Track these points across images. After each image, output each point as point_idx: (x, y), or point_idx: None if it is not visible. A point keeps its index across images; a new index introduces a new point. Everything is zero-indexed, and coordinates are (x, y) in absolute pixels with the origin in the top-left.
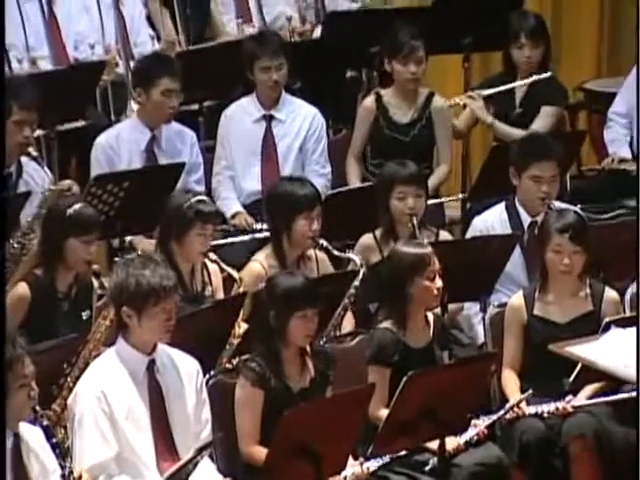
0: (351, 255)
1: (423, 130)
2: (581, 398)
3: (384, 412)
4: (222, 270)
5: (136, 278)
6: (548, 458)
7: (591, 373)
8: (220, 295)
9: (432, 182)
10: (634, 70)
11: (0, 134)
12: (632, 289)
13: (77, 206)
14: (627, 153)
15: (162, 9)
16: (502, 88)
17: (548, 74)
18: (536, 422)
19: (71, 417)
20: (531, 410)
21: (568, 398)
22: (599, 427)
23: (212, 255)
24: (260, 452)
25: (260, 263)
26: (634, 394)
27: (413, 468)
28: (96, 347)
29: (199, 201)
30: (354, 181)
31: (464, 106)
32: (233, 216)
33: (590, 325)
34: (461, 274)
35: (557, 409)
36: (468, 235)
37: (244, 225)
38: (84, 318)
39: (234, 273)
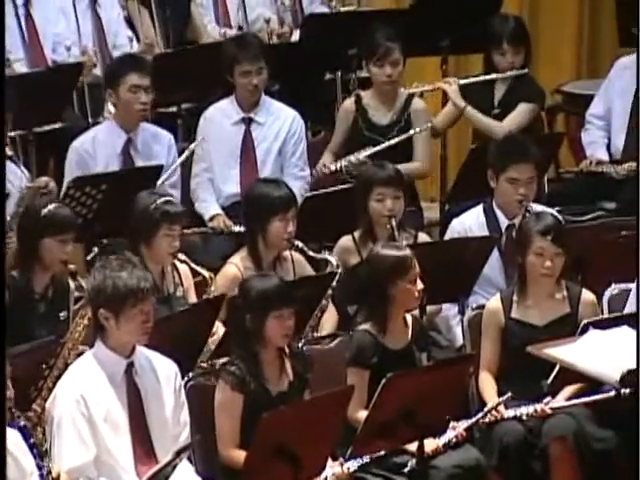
0: (327, 256)
1: (402, 132)
2: (559, 400)
3: (363, 414)
4: (192, 270)
5: (113, 280)
6: (528, 461)
7: (569, 375)
8: (192, 296)
9: (406, 169)
10: (612, 72)
11: (0, 133)
12: (610, 291)
13: (52, 206)
14: (604, 155)
15: (140, 9)
16: (480, 79)
17: (525, 70)
18: (515, 425)
19: (49, 420)
20: (510, 413)
21: (546, 400)
22: (579, 429)
23: (181, 255)
24: (239, 455)
25: (236, 265)
26: (612, 394)
27: (391, 470)
28: (75, 346)
29: (165, 202)
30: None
31: (444, 99)
32: (211, 218)
33: (568, 327)
34: (439, 276)
35: (535, 411)
36: (446, 237)
37: (222, 227)
38: (61, 319)
39: (204, 272)
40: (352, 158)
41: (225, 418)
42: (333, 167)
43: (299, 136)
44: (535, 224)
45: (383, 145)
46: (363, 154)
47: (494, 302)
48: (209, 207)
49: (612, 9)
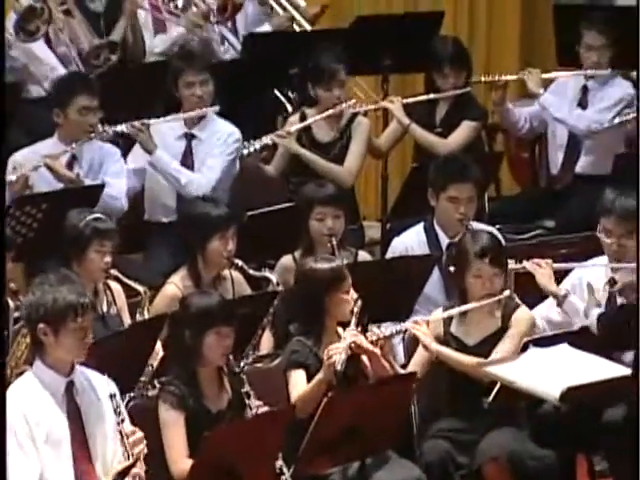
0: (267, 274)
1: (343, 149)
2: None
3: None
4: (126, 287)
5: (53, 295)
6: (454, 478)
7: (510, 392)
8: (125, 314)
9: (323, 165)
10: (553, 86)
11: (0, 132)
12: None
13: None
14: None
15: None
16: (422, 98)
17: (468, 89)
18: (440, 443)
19: None
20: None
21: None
22: (514, 449)
23: (113, 271)
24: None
25: (176, 285)
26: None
27: None
28: (18, 366)
29: (95, 219)
30: (269, 169)
31: (386, 119)
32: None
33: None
34: (381, 294)
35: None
36: (387, 256)
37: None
38: None
39: (138, 287)
40: (279, 131)
41: (172, 435)
42: (264, 141)
43: (228, 149)
44: (472, 246)
45: (311, 120)
46: (294, 127)
47: (437, 314)
48: None
49: (550, 24)
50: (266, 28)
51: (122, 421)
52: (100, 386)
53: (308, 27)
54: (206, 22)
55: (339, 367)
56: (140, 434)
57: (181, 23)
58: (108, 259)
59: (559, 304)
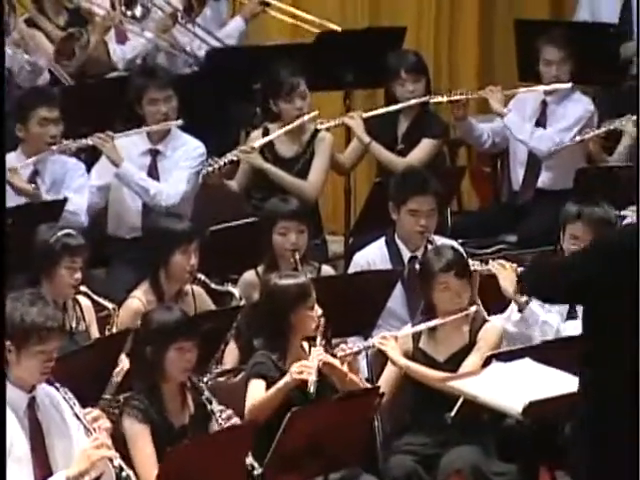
0: (230, 288)
1: (306, 165)
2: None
3: None
4: (95, 303)
5: (21, 313)
6: None
7: (473, 407)
8: (94, 330)
9: (288, 181)
10: (512, 103)
11: (0, 133)
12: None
13: None
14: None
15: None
16: (382, 110)
17: (427, 98)
18: (406, 458)
19: None
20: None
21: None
22: (477, 462)
23: (83, 287)
24: None
25: (139, 299)
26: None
27: None
28: None
29: (66, 234)
30: (232, 185)
31: (348, 134)
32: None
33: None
34: (344, 309)
35: (373, 346)
36: (350, 271)
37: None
38: None
39: (107, 304)
40: (244, 147)
41: (140, 449)
42: (229, 157)
43: (194, 162)
44: (436, 261)
45: (275, 134)
46: (257, 142)
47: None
48: None
49: (511, 41)
50: (237, 20)
51: (74, 404)
52: (63, 402)
53: (283, 7)
54: (174, 24)
55: (312, 389)
56: (97, 411)
57: (149, 28)
58: (78, 275)
59: (520, 309)
